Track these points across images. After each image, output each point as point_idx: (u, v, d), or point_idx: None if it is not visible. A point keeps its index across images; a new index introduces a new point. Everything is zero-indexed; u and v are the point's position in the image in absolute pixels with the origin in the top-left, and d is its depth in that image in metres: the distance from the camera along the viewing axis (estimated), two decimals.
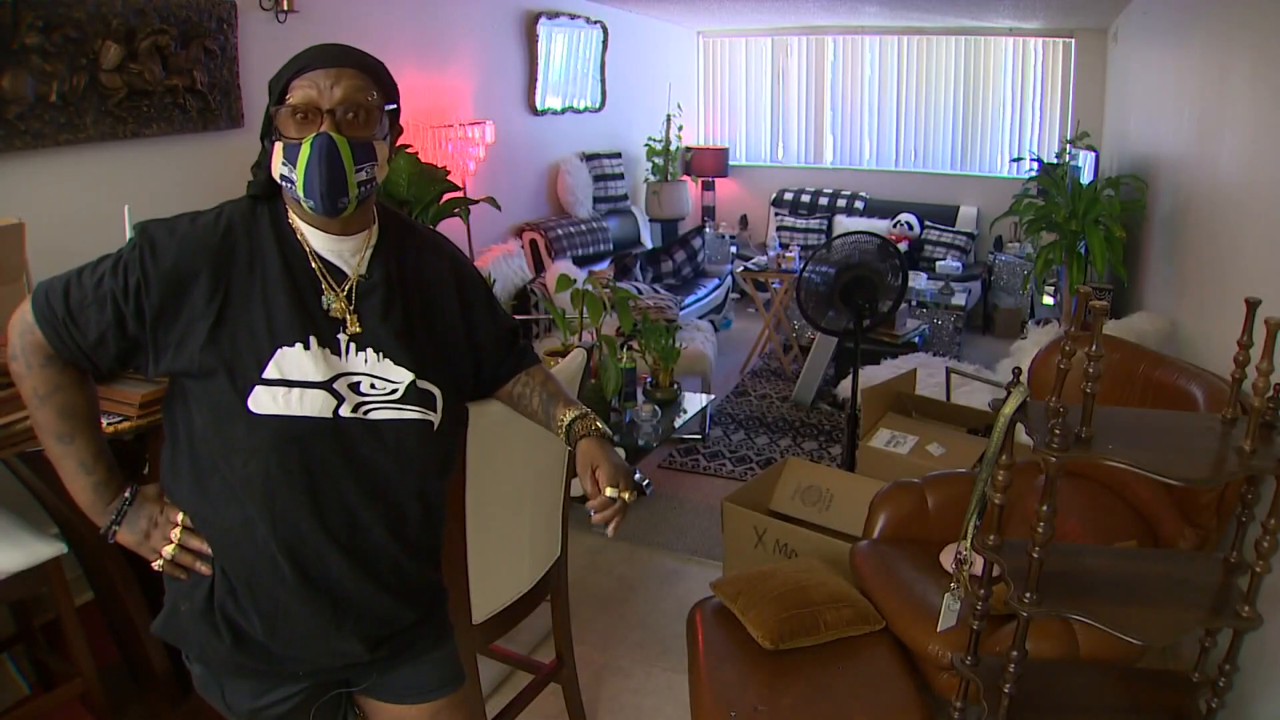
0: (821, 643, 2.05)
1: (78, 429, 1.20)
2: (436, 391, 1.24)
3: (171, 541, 1.20)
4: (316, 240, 1.19)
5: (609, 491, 1.22)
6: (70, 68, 2.70)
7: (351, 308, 1.19)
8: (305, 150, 1.11)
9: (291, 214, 1.20)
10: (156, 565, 1.22)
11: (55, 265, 2.65)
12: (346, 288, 1.20)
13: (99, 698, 2.05)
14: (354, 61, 1.15)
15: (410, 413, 1.20)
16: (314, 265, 1.19)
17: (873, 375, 4.28)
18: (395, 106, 1.20)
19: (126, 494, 1.23)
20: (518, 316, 4.72)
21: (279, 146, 1.13)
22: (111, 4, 2.79)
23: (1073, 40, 6.45)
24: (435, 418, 1.24)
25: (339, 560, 1.19)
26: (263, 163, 1.20)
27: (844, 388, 4.36)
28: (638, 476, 3.78)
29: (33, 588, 1.92)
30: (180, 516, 1.21)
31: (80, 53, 2.73)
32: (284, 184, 1.15)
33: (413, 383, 1.21)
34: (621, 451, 3.27)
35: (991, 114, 6.99)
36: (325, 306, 1.18)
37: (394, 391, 1.19)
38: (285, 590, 1.19)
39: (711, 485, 3.88)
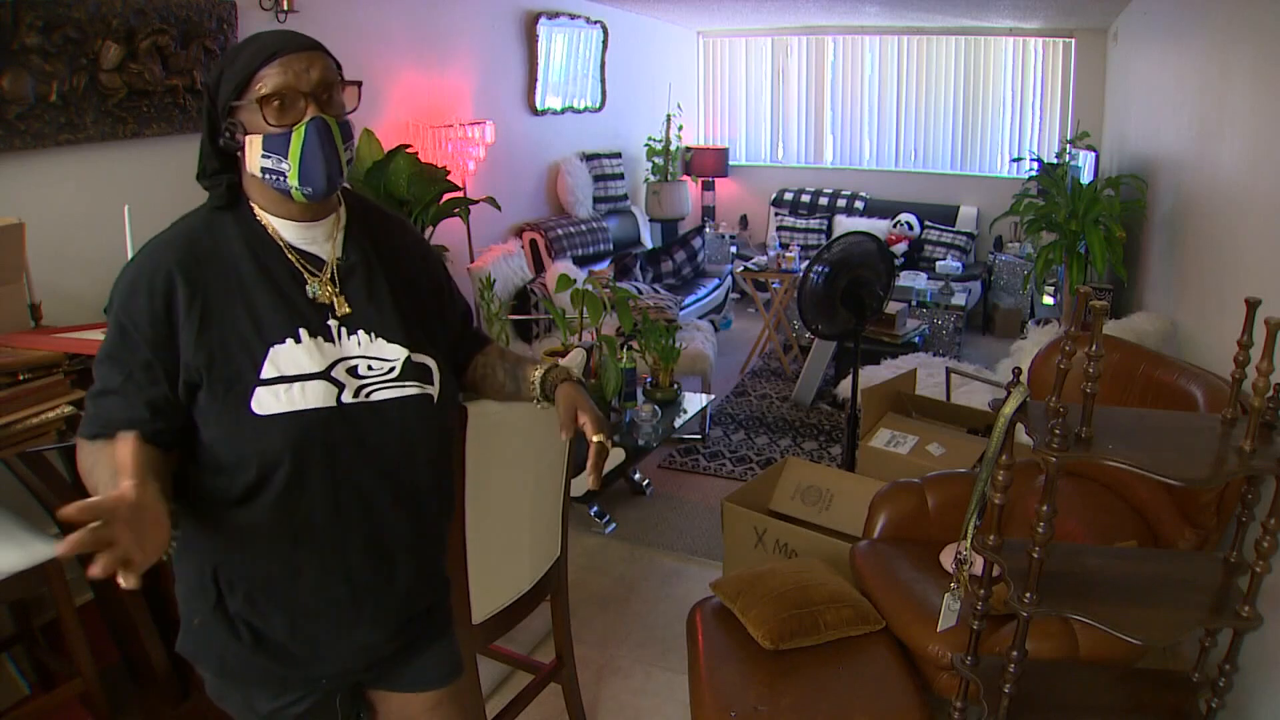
0: (821, 643, 2.05)
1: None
2: (432, 364, 1.24)
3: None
4: (288, 232, 1.18)
5: (596, 439, 1.23)
6: (70, 68, 2.70)
7: (337, 290, 1.19)
8: (299, 137, 1.09)
9: (258, 211, 1.18)
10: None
11: (55, 265, 2.65)
12: (328, 272, 1.20)
13: (99, 698, 2.05)
14: (318, 44, 1.14)
15: (410, 388, 1.21)
16: (290, 257, 1.18)
17: (873, 375, 4.28)
18: (359, 82, 1.19)
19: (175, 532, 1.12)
20: (518, 316, 4.72)
21: (257, 140, 1.10)
22: (111, 4, 2.79)
23: (1073, 40, 6.45)
24: (434, 390, 1.24)
25: (356, 547, 1.19)
26: (208, 169, 1.17)
27: (844, 388, 4.36)
28: (637, 476, 3.78)
29: (33, 588, 1.92)
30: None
31: (80, 53, 2.73)
32: (267, 177, 1.12)
33: (408, 358, 1.21)
34: (621, 452, 3.27)
35: (991, 114, 6.98)
36: (311, 295, 1.17)
37: (391, 370, 1.20)
38: (303, 586, 1.19)
39: (711, 485, 3.88)
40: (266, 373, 1.11)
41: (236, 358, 1.11)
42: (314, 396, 1.13)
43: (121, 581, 0.89)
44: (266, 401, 1.11)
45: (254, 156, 1.11)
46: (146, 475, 0.96)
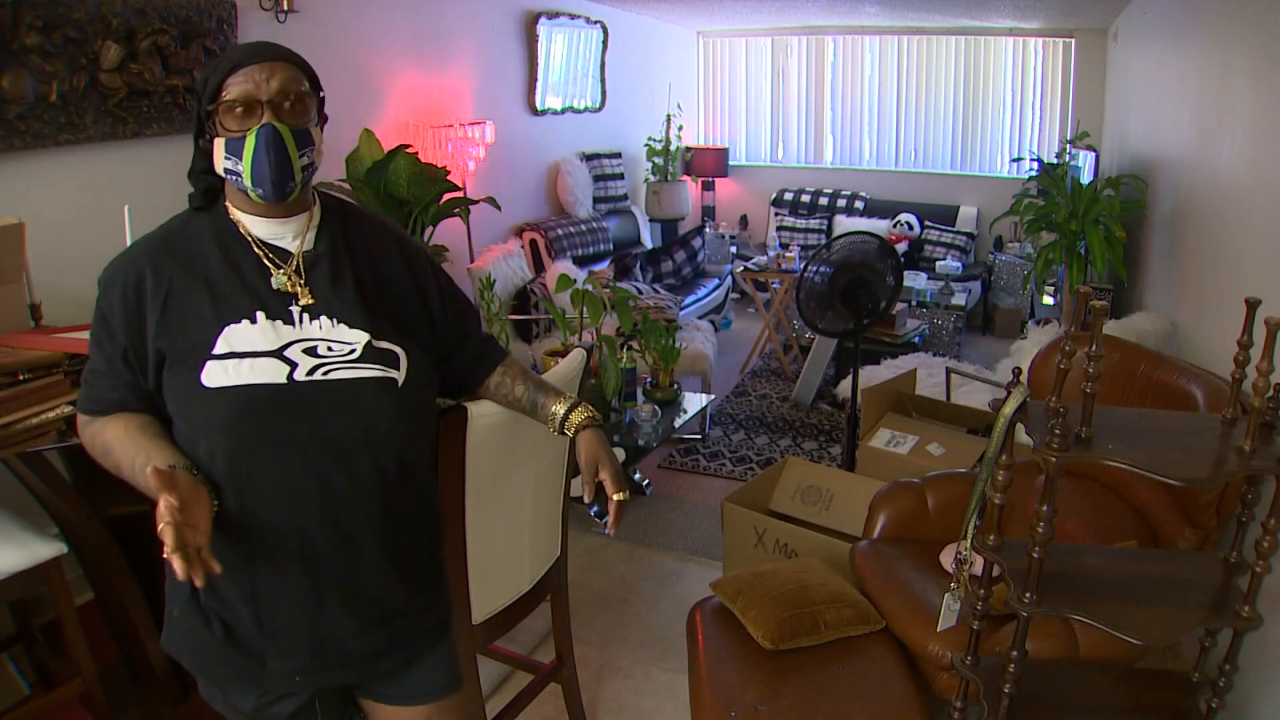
0: (821, 643, 2.05)
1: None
2: (398, 350, 1.26)
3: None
4: (258, 227, 1.24)
5: (617, 497, 1.37)
6: (70, 68, 2.70)
7: (302, 281, 1.23)
8: (251, 141, 1.16)
9: (231, 208, 1.24)
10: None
11: (55, 265, 2.65)
12: (293, 263, 1.24)
13: (99, 698, 2.05)
14: (284, 55, 1.20)
15: (370, 370, 1.22)
16: (257, 251, 1.23)
17: (873, 375, 4.28)
18: (322, 94, 1.25)
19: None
20: (518, 316, 4.72)
21: (220, 142, 1.18)
22: (111, 4, 2.79)
23: (1073, 40, 6.45)
24: (399, 375, 1.25)
25: (313, 531, 1.20)
26: (197, 168, 1.24)
27: (844, 388, 4.36)
28: (637, 476, 3.78)
29: (33, 588, 1.92)
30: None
31: (80, 53, 2.73)
32: (229, 177, 1.19)
33: (369, 342, 1.23)
34: (621, 453, 3.27)
35: (991, 114, 6.98)
36: (276, 286, 1.22)
37: (352, 352, 1.22)
38: (259, 572, 1.20)
39: (711, 485, 3.88)
40: (219, 349, 1.16)
41: (194, 336, 1.17)
42: (262, 372, 1.16)
43: (211, 566, 1.03)
44: (215, 375, 1.15)
45: (219, 157, 1.19)
46: (171, 473, 1.08)
